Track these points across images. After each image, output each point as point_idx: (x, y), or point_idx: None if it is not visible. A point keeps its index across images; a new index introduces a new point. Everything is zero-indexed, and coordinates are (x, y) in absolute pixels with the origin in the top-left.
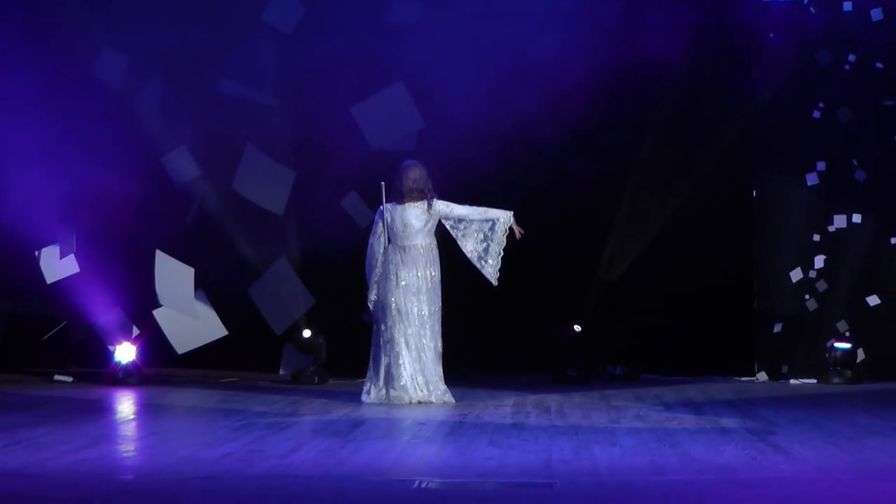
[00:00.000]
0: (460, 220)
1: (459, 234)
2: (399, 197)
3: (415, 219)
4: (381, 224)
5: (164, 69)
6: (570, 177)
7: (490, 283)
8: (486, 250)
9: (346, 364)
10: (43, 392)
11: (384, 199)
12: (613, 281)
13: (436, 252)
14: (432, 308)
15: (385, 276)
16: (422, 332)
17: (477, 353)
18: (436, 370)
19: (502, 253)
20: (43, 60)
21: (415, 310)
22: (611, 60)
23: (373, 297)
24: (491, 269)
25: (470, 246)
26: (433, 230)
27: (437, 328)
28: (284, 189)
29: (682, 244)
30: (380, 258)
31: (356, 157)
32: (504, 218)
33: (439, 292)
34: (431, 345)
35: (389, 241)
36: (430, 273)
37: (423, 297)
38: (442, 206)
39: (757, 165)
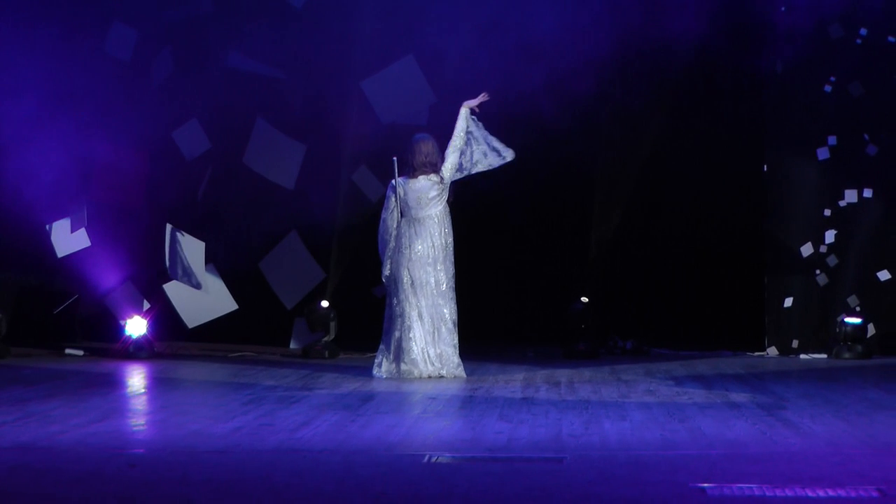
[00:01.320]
0: (463, 155)
1: (472, 162)
2: (410, 171)
3: (428, 190)
4: (393, 199)
5: (175, 43)
6: (580, 152)
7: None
8: (488, 148)
9: (356, 338)
10: (54, 366)
11: (396, 174)
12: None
13: (449, 218)
14: (448, 276)
15: (398, 248)
16: (438, 303)
17: (487, 327)
18: (451, 340)
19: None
20: (53, 34)
21: (431, 280)
22: (622, 36)
23: (387, 271)
24: (504, 153)
25: (480, 158)
26: (446, 197)
27: (453, 296)
28: (295, 163)
29: (692, 219)
30: (393, 232)
31: (367, 131)
32: (462, 115)
33: (453, 259)
34: (447, 314)
35: (402, 214)
36: (446, 241)
37: (440, 267)
38: (448, 168)
39: (768, 140)
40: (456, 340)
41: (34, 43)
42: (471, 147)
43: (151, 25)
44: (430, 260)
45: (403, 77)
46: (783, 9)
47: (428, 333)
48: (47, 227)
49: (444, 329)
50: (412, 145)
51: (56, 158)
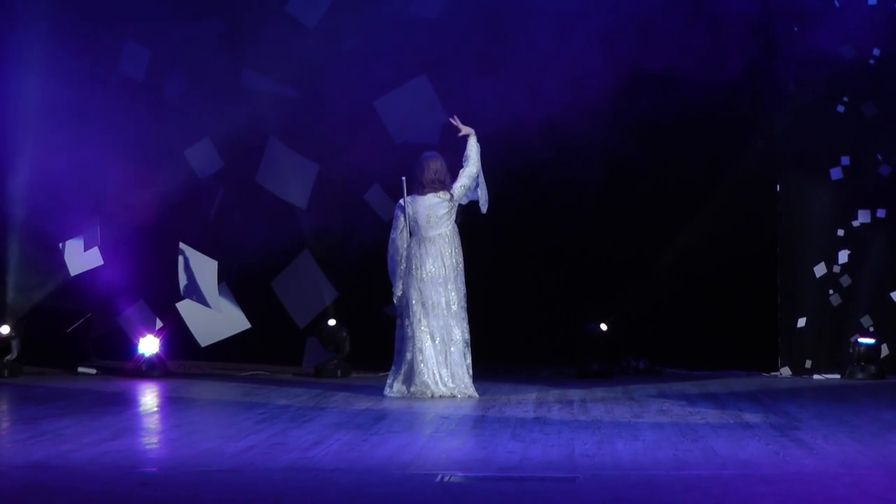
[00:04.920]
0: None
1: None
2: (420, 188)
3: (437, 207)
4: (402, 218)
5: (188, 62)
6: (595, 172)
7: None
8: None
9: (369, 357)
10: (67, 384)
11: (405, 193)
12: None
13: (458, 239)
14: (459, 295)
15: (408, 269)
16: (450, 323)
17: (500, 346)
18: (462, 362)
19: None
20: (67, 56)
21: (442, 300)
22: (637, 53)
23: (398, 292)
24: (482, 201)
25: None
26: (454, 217)
27: (465, 316)
28: (307, 182)
29: (706, 238)
30: (403, 253)
31: (379, 150)
32: (472, 143)
33: (464, 279)
34: (459, 334)
35: (411, 234)
36: (455, 260)
37: (451, 286)
38: (458, 188)
39: (781, 160)
40: (469, 360)
41: (48, 65)
42: (480, 176)
43: (164, 45)
44: (441, 280)
45: (416, 96)
46: (796, 29)
47: (440, 354)
48: (60, 245)
49: (454, 350)
50: (421, 162)
51: (69, 177)
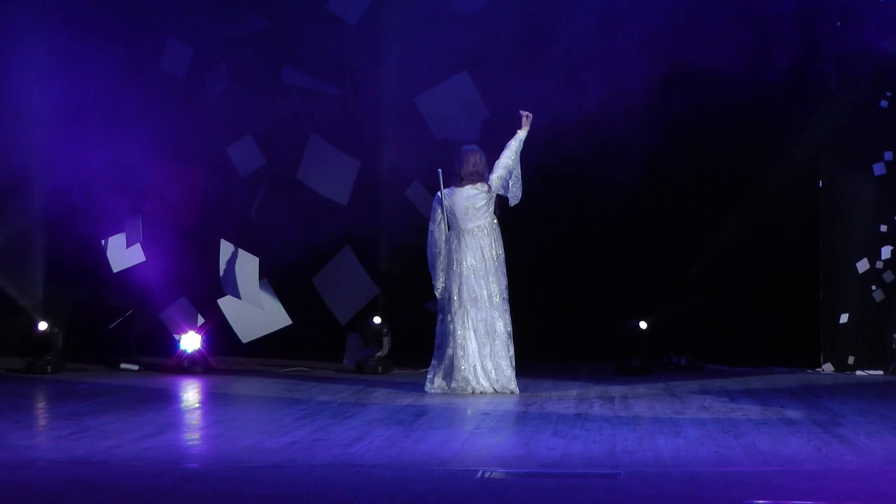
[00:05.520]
0: (509, 173)
1: (509, 185)
2: (458, 181)
3: (475, 199)
4: (439, 211)
5: (229, 59)
6: (637, 169)
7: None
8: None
9: (410, 354)
10: (109, 380)
11: (441, 186)
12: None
13: (499, 230)
14: (501, 287)
15: (448, 263)
16: (493, 315)
17: (541, 342)
18: (505, 353)
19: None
20: (109, 55)
21: (484, 293)
22: (678, 51)
23: (440, 284)
24: (516, 193)
25: (515, 185)
26: (493, 208)
27: (506, 308)
28: (349, 179)
29: (748, 234)
30: (442, 246)
31: (420, 146)
32: (518, 137)
33: (505, 271)
34: (502, 326)
35: (450, 227)
36: (497, 252)
37: (492, 278)
38: (496, 179)
39: (824, 156)
40: (511, 353)
41: (91, 64)
42: (516, 170)
43: (206, 42)
44: (483, 273)
45: (457, 93)
46: (838, 24)
47: (482, 346)
48: (103, 242)
49: (497, 342)
50: (460, 156)
51: (112, 174)
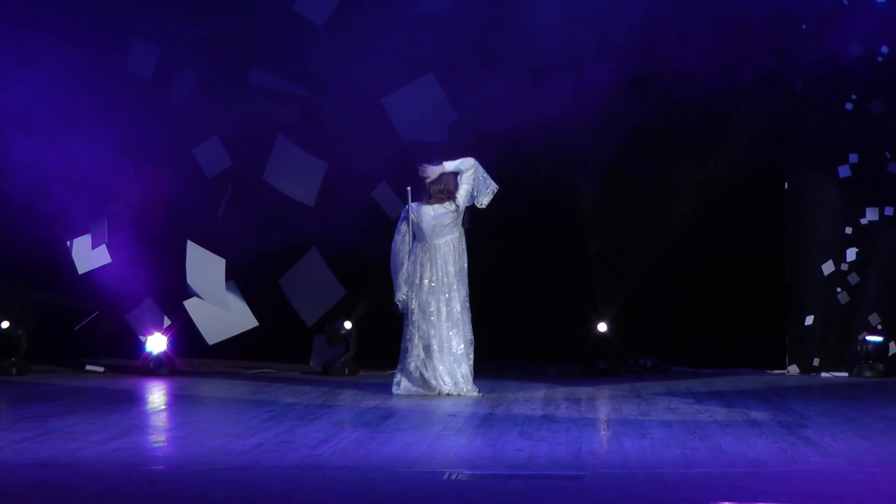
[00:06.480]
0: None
1: (478, 192)
2: (426, 196)
3: (443, 217)
4: (405, 225)
5: (196, 60)
6: (600, 171)
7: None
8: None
9: (376, 355)
10: (74, 382)
11: (409, 201)
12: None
13: (464, 243)
14: (461, 298)
15: (412, 273)
16: (452, 332)
17: (507, 344)
18: (465, 360)
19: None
20: (75, 53)
21: (444, 308)
22: (642, 54)
23: (401, 296)
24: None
25: (482, 188)
26: (461, 221)
27: (467, 317)
28: (315, 180)
29: (713, 236)
30: (405, 258)
31: (387, 148)
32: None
33: (466, 281)
34: (461, 341)
35: (416, 238)
36: (459, 266)
37: (453, 293)
38: (462, 195)
39: (789, 157)
40: (471, 360)
41: (56, 62)
42: (478, 175)
43: (173, 43)
44: (444, 288)
45: (424, 94)
46: (804, 27)
47: (445, 353)
48: (68, 243)
49: (459, 351)
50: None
51: (76, 175)
